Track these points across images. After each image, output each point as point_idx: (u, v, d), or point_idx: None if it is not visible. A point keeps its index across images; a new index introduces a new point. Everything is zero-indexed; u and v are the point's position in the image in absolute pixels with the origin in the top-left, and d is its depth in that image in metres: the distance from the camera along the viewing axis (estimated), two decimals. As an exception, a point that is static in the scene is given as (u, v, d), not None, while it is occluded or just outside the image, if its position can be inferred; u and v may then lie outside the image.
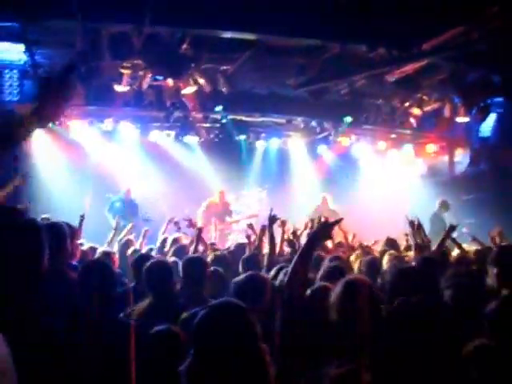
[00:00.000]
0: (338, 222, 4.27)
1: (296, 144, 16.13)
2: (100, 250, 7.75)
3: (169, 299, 4.82)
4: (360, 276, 4.26)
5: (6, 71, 11.77)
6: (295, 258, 3.81)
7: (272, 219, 7.15)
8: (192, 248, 7.59)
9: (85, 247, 7.96)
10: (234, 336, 2.58)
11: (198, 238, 7.75)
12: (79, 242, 7.76)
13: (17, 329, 1.19)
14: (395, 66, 10.17)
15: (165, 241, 8.78)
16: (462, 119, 12.76)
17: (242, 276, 4.71)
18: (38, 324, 2.68)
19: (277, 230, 7.50)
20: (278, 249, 7.53)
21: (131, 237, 9.24)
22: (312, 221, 8.63)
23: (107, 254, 7.06)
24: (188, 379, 2.63)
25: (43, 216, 7.86)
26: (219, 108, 13.15)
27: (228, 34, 9.29)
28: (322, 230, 3.99)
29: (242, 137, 15.23)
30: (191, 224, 8.90)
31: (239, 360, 2.54)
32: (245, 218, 13.95)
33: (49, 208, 8.08)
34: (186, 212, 11.34)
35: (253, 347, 2.62)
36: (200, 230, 7.89)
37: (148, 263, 5.07)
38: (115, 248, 8.76)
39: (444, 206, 13.65)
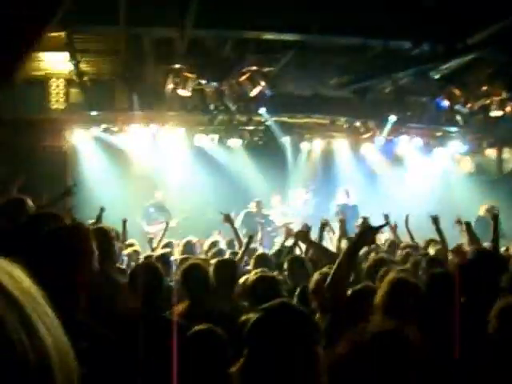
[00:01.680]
0: (382, 226, 4.25)
1: (340, 144, 16.04)
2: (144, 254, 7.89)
3: (204, 301, 4.88)
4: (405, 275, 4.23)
5: (53, 80, 12.00)
6: (338, 261, 3.80)
7: (323, 226, 7.13)
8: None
9: (128, 250, 8.11)
10: (290, 341, 2.54)
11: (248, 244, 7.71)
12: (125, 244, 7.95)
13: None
14: (440, 62, 10.03)
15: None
16: (510, 115, 12.47)
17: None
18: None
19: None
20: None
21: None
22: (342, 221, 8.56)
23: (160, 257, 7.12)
24: (241, 381, 2.62)
25: (90, 221, 7.98)
26: (263, 110, 13.15)
27: (270, 36, 9.30)
28: (366, 234, 3.97)
29: (286, 138, 15.16)
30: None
31: (295, 365, 2.51)
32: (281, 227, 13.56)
33: (96, 214, 8.16)
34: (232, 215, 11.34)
35: (310, 353, 2.56)
36: (250, 238, 7.79)
37: (184, 266, 5.17)
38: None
39: (490, 211, 13.42)
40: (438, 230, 7.76)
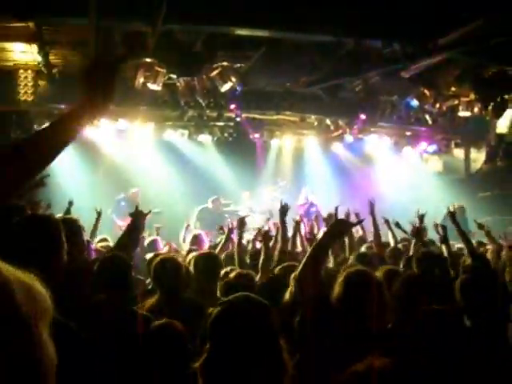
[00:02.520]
0: (360, 222, 4.27)
1: (310, 142, 16.08)
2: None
3: (176, 295, 4.84)
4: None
5: (21, 71, 11.83)
6: (308, 253, 3.81)
7: (283, 210, 7.13)
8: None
9: (97, 241, 8.07)
10: (253, 332, 2.54)
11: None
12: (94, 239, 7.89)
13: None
14: (410, 62, 10.09)
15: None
16: (478, 115, 12.61)
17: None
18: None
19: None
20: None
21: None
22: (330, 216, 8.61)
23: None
24: (204, 375, 2.61)
25: (59, 215, 7.89)
26: (233, 106, 13.14)
27: (241, 32, 9.25)
28: (339, 226, 3.98)
29: (257, 135, 15.18)
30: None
31: (258, 357, 2.51)
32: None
33: (64, 208, 8.10)
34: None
35: (273, 344, 2.57)
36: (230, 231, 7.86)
37: (156, 259, 5.12)
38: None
39: (460, 211, 13.59)
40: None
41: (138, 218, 5.36)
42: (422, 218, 7.52)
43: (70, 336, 2.86)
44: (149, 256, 6.83)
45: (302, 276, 3.71)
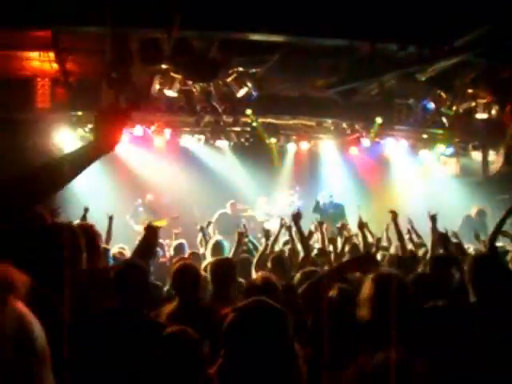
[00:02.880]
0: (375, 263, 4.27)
1: (327, 146, 16.05)
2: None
3: (195, 302, 4.89)
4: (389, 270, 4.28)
5: (38, 79, 11.95)
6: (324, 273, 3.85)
7: (296, 217, 7.18)
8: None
9: (114, 250, 8.11)
10: (267, 338, 2.54)
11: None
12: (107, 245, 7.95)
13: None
14: (426, 65, 10.08)
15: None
16: (495, 117, 12.51)
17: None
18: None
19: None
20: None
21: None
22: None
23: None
24: (219, 381, 2.61)
25: (76, 222, 7.96)
26: (249, 111, 13.17)
27: (257, 37, 9.29)
28: (366, 264, 4.00)
29: (273, 140, 15.20)
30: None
31: (272, 364, 2.50)
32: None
33: (80, 214, 8.17)
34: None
35: (287, 351, 2.58)
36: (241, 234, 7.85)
37: (176, 266, 5.17)
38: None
39: (480, 214, 13.58)
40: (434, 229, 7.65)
41: (149, 234, 5.35)
42: (433, 218, 7.56)
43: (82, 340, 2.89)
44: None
45: (313, 288, 3.73)
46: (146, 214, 14.07)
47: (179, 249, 9.05)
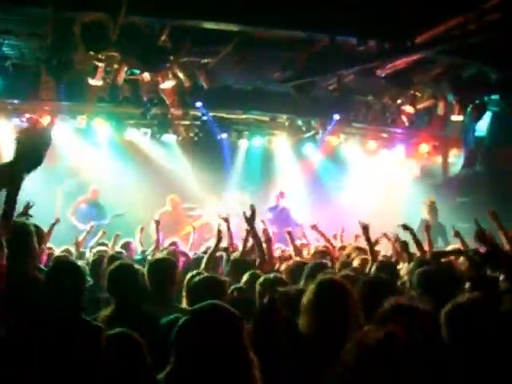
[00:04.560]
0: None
1: (281, 143, 16.13)
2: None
3: (133, 306, 4.80)
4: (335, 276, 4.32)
5: (-27, 63, 11.72)
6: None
7: (251, 217, 7.15)
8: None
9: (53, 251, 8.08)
10: (220, 345, 2.55)
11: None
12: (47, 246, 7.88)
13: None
14: (386, 61, 10.22)
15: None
16: (456, 118, 12.70)
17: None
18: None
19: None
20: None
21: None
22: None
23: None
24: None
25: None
26: (199, 104, 13.19)
27: (209, 25, 9.24)
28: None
29: (224, 135, 15.24)
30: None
31: (225, 371, 2.51)
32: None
33: (18, 210, 8.00)
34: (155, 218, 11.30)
35: (241, 358, 2.58)
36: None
37: (111, 266, 5.09)
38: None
39: (429, 207, 13.72)
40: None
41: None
42: (365, 228, 7.61)
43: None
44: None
45: None
46: (90, 211, 14.00)
47: (127, 247, 9.12)
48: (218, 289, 4.92)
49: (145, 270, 5.45)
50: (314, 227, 9.77)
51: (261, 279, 5.17)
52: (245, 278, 5.77)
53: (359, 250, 8.18)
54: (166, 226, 12.43)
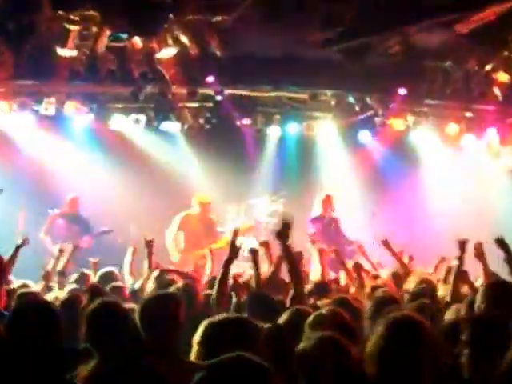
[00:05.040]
0: None
1: (325, 130, 16.02)
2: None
3: (122, 358, 4.77)
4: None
5: None
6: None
7: (284, 230, 7.08)
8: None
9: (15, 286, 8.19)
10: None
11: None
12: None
13: None
14: (469, 12, 10.11)
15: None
16: None
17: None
18: None
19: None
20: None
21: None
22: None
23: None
24: None
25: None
26: (211, 79, 13.16)
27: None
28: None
29: (246, 121, 15.19)
30: None
31: None
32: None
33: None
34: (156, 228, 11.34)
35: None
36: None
37: (91, 306, 5.12)
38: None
39: None
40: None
41: None
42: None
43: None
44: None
45: None
46: (67, 226, 14.03)
47: (109, 279, 9.10)
48: (247, 335, 4.87)
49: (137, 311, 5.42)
50: (386, 244, 9.92)
51: (310, 318, 5.15)
52: (285, 316, 5.72)
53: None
54: (191, 237, 12.66)
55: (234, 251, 7.45)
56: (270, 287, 7.81)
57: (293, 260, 7.10)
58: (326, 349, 3.95)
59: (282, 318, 5.74)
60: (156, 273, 9.44)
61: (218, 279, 7.13)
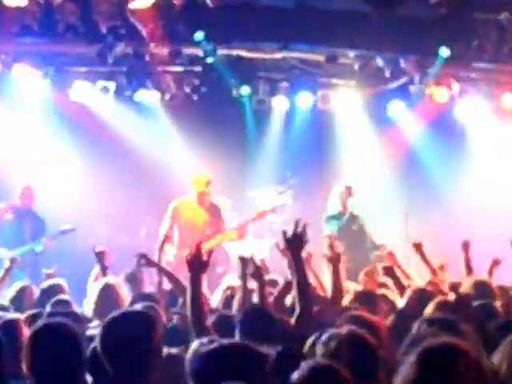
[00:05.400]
0: None
1: (346, 102, 16.01)
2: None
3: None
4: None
5: None
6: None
7: (297, 240, 7.03)
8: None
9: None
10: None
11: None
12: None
13: None
14: None
15: None
16: None
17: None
18: None
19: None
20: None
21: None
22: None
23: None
24: None
25: None
26: (200, 35, 13.09)
27: None
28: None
29: (245, 90, 15.15)
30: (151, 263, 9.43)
31: None
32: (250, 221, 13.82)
33: None
34: (142, 234, 11.34)
35: None
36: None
37: (32, 329, 5.18)
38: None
39: None
40: None
41: None
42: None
43: None
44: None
45: None
46: (16, 225, 13.96)
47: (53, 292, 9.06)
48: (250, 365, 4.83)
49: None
50: (418, 247, 9.94)
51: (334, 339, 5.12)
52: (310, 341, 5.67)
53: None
54: (188, 229, 12.76)
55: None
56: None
57: (305, 282, 7.08)
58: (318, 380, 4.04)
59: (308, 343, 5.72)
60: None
61: (189, 296, 7.06)
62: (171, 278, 9.17)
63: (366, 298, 8.17)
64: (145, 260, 9.67)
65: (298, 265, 6.96)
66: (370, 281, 9.92)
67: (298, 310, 6.94)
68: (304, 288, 6.99)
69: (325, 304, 7.63)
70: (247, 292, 8.24)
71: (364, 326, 5.83)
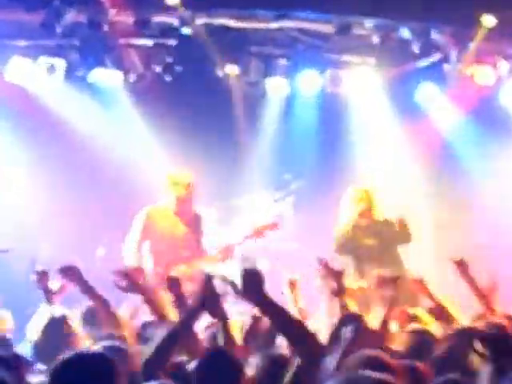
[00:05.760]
0: None
1: (363, 84, 15.99)
2: None
3: None
4: None
5: None
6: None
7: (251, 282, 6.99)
8: None
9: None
10: None
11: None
12: None
13: None
14: None
15: None
16: None
17: None
18: None
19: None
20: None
21: None
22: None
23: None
24: None
25: None
26: (175, 0, 13.02)
27: None
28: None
29: (233, 69, 15.15)
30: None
31: None
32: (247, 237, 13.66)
33: None
34: (98, 254, 11.34)
35: None
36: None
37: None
38: None
39: None
40: None
41: None
42: None
43: None
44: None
45: None
46: None
47: None
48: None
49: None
50: (463, 267, 9.92)
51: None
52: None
53: None
54: (161, 245, 12.85)
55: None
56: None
57: (286, 321, 7.00)
58: None
59: None
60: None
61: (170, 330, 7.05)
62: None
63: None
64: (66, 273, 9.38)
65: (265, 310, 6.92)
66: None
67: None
68: (288, 330, 6.92)
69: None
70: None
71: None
